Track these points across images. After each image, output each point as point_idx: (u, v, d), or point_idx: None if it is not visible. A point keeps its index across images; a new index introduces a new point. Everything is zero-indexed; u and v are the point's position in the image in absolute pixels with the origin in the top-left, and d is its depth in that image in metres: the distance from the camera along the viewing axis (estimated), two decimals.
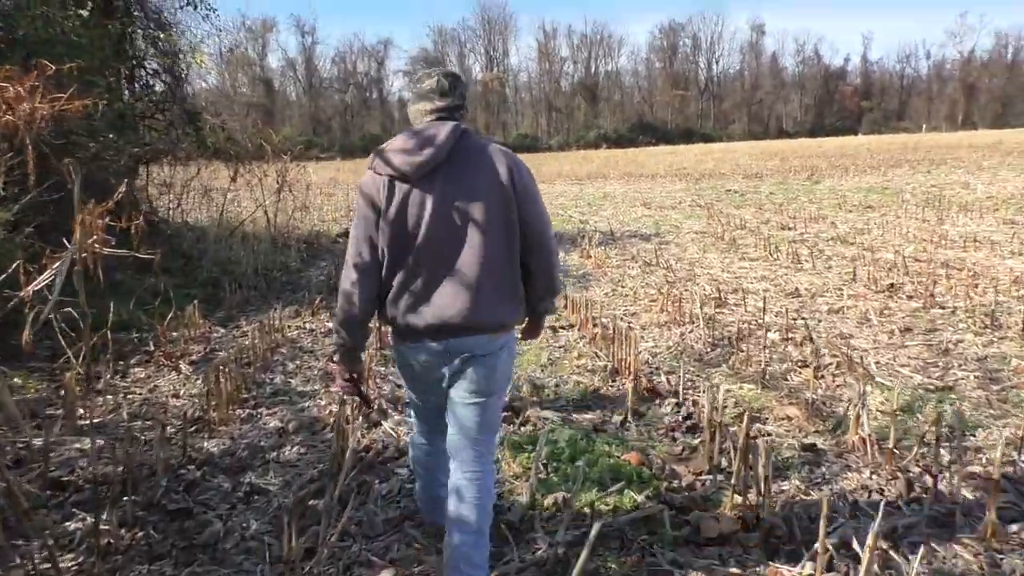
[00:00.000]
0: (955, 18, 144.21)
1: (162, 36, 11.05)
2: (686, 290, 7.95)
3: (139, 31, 10.82)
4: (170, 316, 6.39)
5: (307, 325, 7.00)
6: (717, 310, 6.94)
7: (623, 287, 8.37)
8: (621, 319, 6.80)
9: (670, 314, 6.76)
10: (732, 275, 8.87)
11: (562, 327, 6.51)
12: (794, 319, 6.50)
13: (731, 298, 7.54)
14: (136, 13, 10.66)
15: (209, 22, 12.15)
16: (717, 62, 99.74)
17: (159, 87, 11.40)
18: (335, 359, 2.76)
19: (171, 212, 11.33)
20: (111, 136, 8.87)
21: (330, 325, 7.02)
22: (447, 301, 2.47)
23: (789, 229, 12.72)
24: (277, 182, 12.60)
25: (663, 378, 5.10)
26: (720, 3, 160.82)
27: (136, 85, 11.37)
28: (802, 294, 7.63)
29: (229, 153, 11.73)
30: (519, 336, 2.88)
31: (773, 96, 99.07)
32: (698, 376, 5.13)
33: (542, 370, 5.44)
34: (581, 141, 77.50)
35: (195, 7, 11.57)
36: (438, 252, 2.48)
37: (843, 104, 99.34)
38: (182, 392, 5.18)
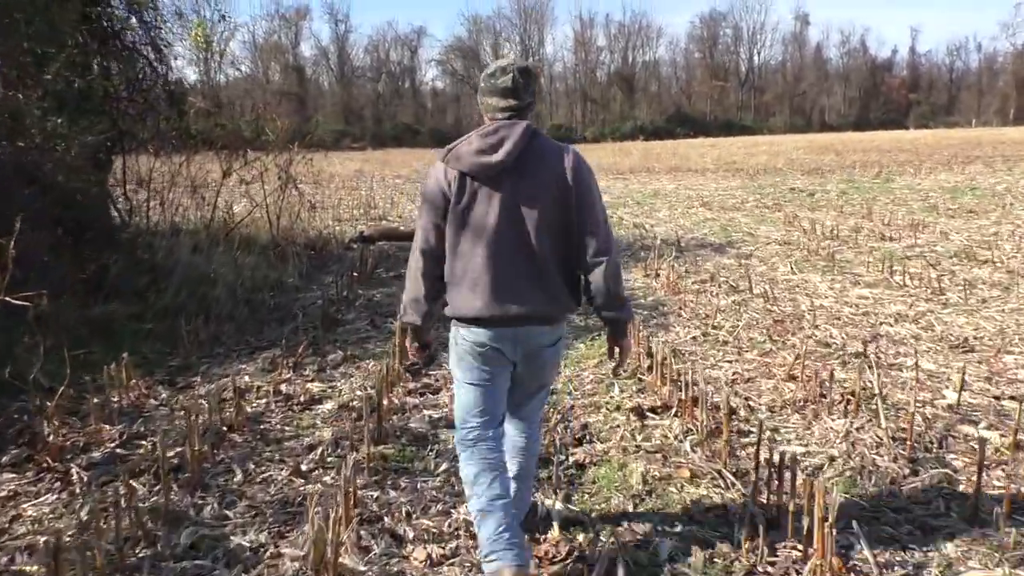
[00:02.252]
0: (1009, 10, 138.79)
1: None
2: (810, 337, 5.83)
3: None
4: (99, 373, 4.41)
5: (283, 388, 4.98)
6: (868, 376, 4.80)
7: (716, 327, 6.26)
8: (733, 391, 4.71)
9: (805, 385, 4.65)
10: (854, 309, 6.74)
11: (652, 410, 4.41)
12: (997, 399, 4.38)
13: (877, 352, 5.42)
14: None
15: None
16: (759, 53, 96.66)
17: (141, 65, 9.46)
18: (406, 341, 2.92)
19: (145, 214, 9.42)
20: (59, 120, 6.96)
21: (317, 387, 5.04)
22: (511, 294, 2.61)
23: (891, 240, 10.52)
24: (279, 176, 10.64)
25: (863, 549, 2.88)
26: None
27: (113, 62, 9.45)
28: (974, 346, 5.50)
29: (220, 143, 9.80)
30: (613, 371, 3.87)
31: (816, 88, 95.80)
32: (921, 545, 3.01)
33: (635, 503, 3.37)
34: (617, 132, 75.30)
35: None
36: (503, 246, 2.61)
37: (890, 97, 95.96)
38: (61, 522, 3.20)
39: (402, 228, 12.87)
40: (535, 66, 2.80)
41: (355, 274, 8.67)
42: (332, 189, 22.06)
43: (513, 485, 2.84)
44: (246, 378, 5.12)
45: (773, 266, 9.02)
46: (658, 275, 8.32)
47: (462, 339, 2.72)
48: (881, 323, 6.25)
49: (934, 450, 3.74)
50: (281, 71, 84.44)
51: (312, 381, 5.13)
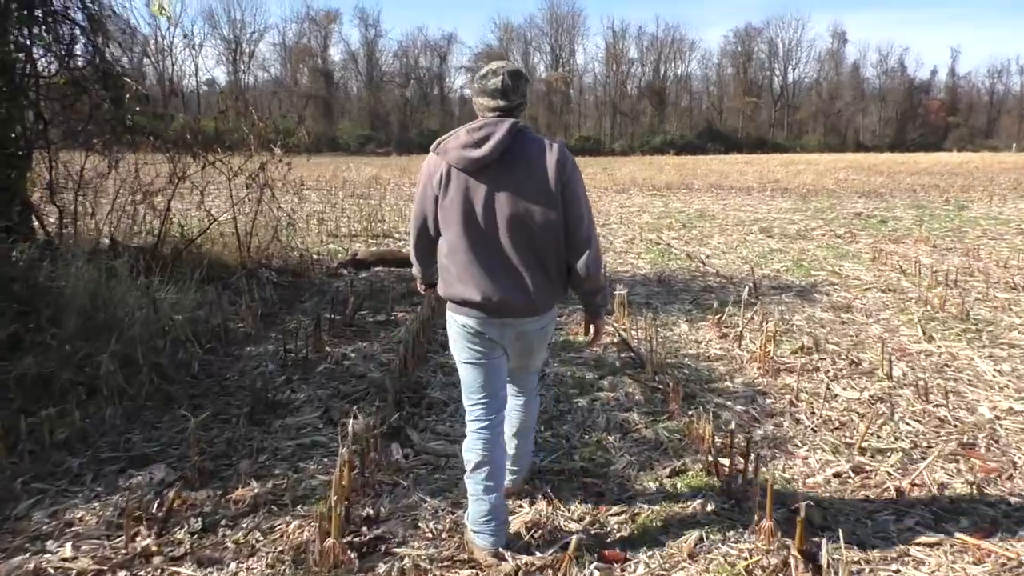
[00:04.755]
0: None
1: None
2: None
3: None
4: None
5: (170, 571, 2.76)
6: None
7: (867, 453, 3.96)
8: None
9: None
10: None
11: None
12: None
13: None
14: None
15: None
16: (793, 69, 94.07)
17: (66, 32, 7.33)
18: (416, 278, 3.19)
19: (71, 226, 7.28)
20: None
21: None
22: (507, 285, 2.75)
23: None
24: (248, 183, 8.49)
25: None
26: (799, 9, 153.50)
27: (37, 28, 7.32)
28: None
29: (169, 139, 7.66)
30: (587, 345, 3.94)
31: (852, 108, 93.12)
32: None
33: None
34: (646, 146, 73.40)
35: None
36: (487, 238, 2.73)
37: (927, 119, 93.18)
38: None
39: (405, 251, 10.65)
40: (525, 70, 2.83)
41: (330, 317, 6.45)
42: (339, 198, 20.04)
43: (513, 443, 3.23)
44: (67, 548, 2.90)
45: (891, 326, 6.70)
46: (740, 339, 6.02)
47: (454, 321, 2.92)
48: None
49: None
50: (309, 74, 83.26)
51: (174, 563, 2.88)
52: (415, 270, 3.12)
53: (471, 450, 2.94)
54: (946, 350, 5.84)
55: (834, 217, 15.97)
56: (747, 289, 6.56)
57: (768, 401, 4.71)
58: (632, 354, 5.58)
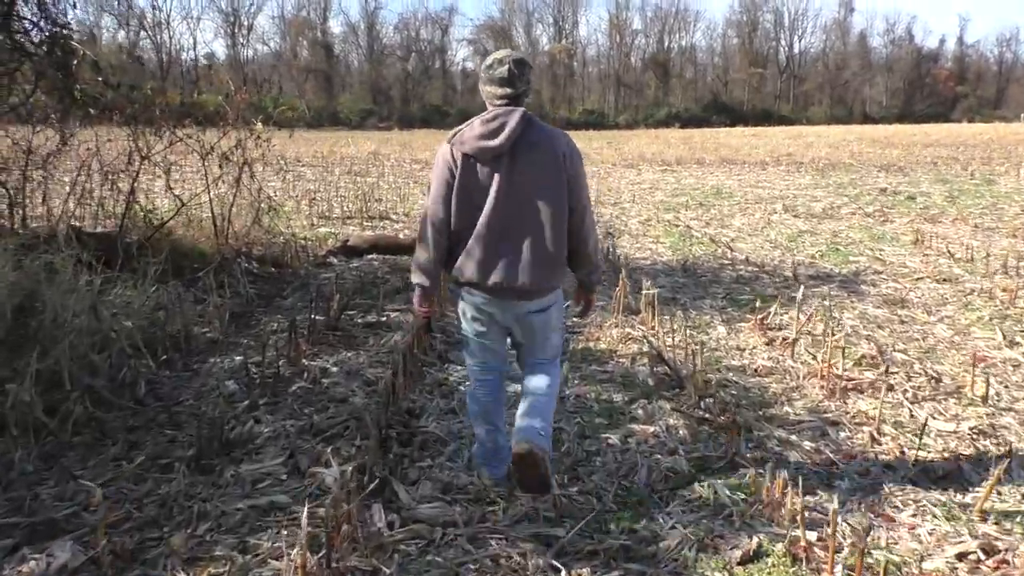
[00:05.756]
0: None
1: None
2: None
3: None
4: None
5: None
6: None
7: (983, 520, 3.05)
8: None
9: None
10: None
11: None
12: None
13: None
14: None
15: None
16: (800, 39, 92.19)
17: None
18: (413, 298, 3.21)
19: (13, 211, 6.37)
20: None
21: None
22: (509, 266, 2.90)
23: None
24: (223, 161, 7.57)
25: None
26: None
27: None
28: None
29: (124, 112, 6.72)
30: (576, 317, 3.82)
31: (859, 78, 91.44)
32: None
33: None
34: (651, 119, 72.00)
35: None
36: (502, 222, 2.88)
37: (935, 89, 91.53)
38: None
39: (403, 236, 9.73)
40: (529, 57, 3.27)
41: (311, 319, 5.53)
42: (335, 175, 19.06)
43: (525, 421, 3.03)
44: None
45: (959, 326, 5.78)
46: (795, 343, 5.09)
47: (463, 298, 3.10)
48: None
49: None
50: (309, 47, 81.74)
51: None
52: (419, 277, 3.08)
53: (472, 399, 3.28)
54: None
55: (858, 193, 15.01)
56: (801, 290, 5.62)
57: (842, 435, 3.80)
58: (668, 369, 4.66)
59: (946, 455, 3.55)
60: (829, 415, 4.04)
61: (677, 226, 10.95)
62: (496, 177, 2.85)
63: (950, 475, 3.34)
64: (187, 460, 3.40)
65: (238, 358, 4.97)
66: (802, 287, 6.04)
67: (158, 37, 73.01)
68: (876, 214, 12.05)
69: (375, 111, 73.65)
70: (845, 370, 4.57)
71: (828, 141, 35.29)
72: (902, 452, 3.58)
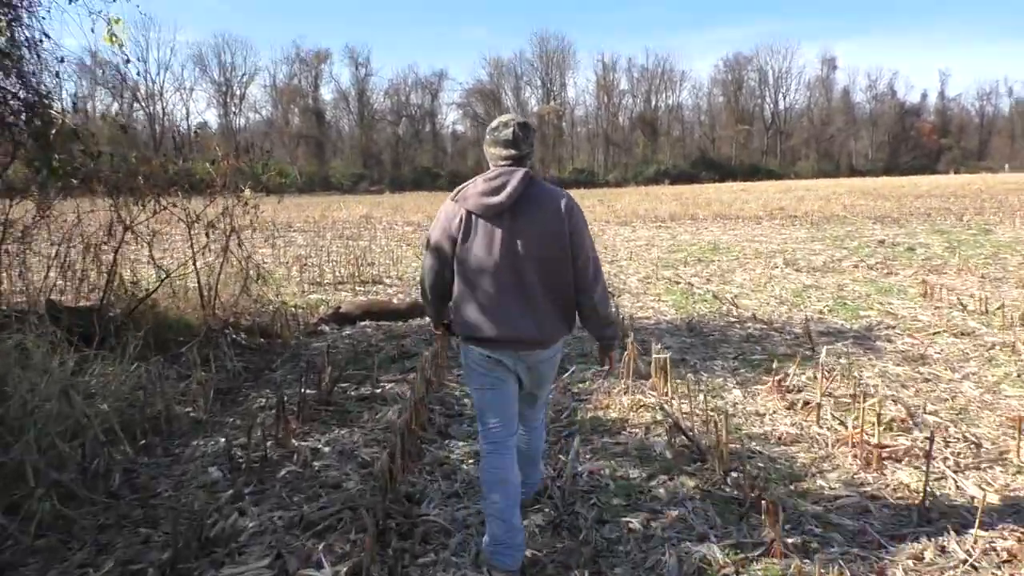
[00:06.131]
0: None
1: None
2: None
3: None
4: None
5: None
6: None
7: None
8: None
9: None
10: None
11: None
12: None
13: None
14: None
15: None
16: (784, 96, 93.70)
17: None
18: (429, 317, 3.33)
19: None
20: None
21: None
22: (513, 320, 2.93)
23: None
24: (209, 231, 7.31)
25: None
26: (788, 38, 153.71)
27: None
28: None
29: (105, 183, 6.47)
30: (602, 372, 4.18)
31: (844, 133, 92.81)
32: None
33: None
34: (640, 176, 72.75)
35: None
36: (502, 277, 2.91)
37: (919, 142, 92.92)
38: None
39: (396, 300, 9.44)
40: (533, 121, 3.13)
41: (301, 393, 5.18)
42: (327, 240, 18.85)
43: (532, 470, 3.46)
44: None
45: (987, 383, 5.47)
46: (818, 411, 4.76)
47: (469, 354, 3.09)
48: None
49: None
50: (300, 114, 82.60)
51: None
52: (428, 310, 3.27)
53: (487, 470, 3.09)
54: None
55: (857, 246, 14.83)
56: (823, 352, 5.32)
57: (886, 511, 3.45)
58: (687, 440, 4.33)
59: (1005, 534, 3.21)
60: (867, 488, 3.70)
61: (678, 283, 10.68)
62: (499, 233, 2.89)
63: (1016, 557, 3.00)
64: (162, 565, 3.04)
65: (223, 440, 4.62)
66: (824, 348, 5.74)
67: (151, 108, 73.96)
68: (879, 266, 11.83)
69: (366, 175, 74.20)
70: (873, 435, 4.24)
71: (818, 194, 35.44)
72: (956, 531, 3.23)
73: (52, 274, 7.09)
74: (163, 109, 76.11)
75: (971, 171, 73.02)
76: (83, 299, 7.39)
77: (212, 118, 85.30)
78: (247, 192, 7.81)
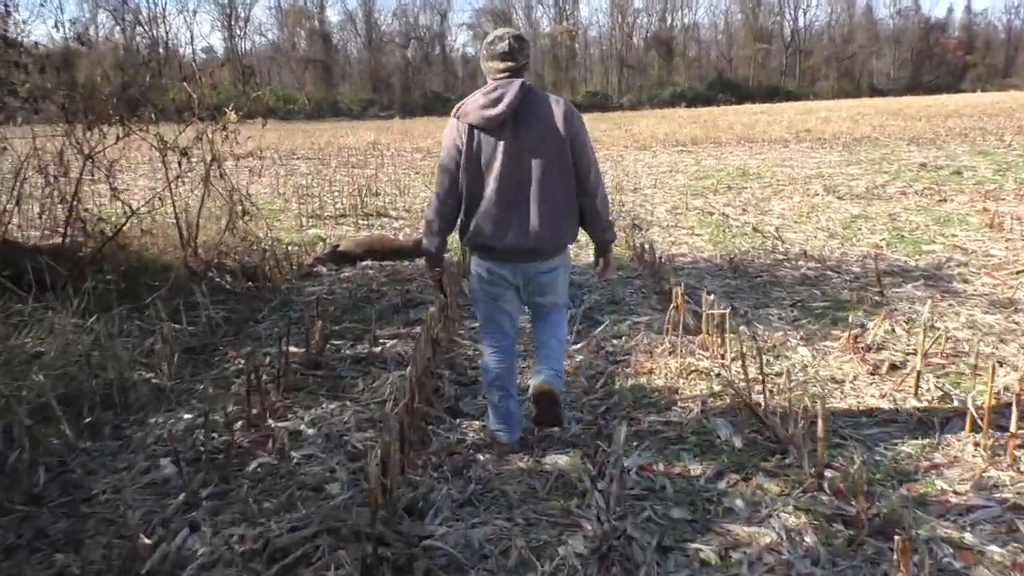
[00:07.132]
0: None
1: None
2: None
3: None
4: None
5: None
6: None
7: None
8: None
9: None
10: None
11: None
12: None
13: None
14: None
15: None
16: (804, 13, 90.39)
17: None
18: (424, 262, 3.42)
19: None
20: None
21: None
22: (520, 228, 3.00)
23: None
24: (181, 158, 6.40)
25: None
26: None
27: None
28: None
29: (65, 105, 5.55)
30: (597, 279, 3.64)
31: (866, 51, 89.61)
32: None
33: None
34: (655, 99, 70.55)
35: None
36: (510, 187, 2.98)
37: (944, 59, 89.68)
38: None
39: (402, 237, 8.54)
40: (527, 33, 2.59)
41: (284, 357, 4.31)
42: (331, 168, 17.83)
43: (543, 366, 3.24)
44: None
45: None
46: (916, 382, 3.88)
47: (474, 265, 3.23)
48: None
49: None
50: (307, 37, 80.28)
51: None
52: (427, 242, 3.24)
53: (486, 368, 3.32)
54: None
55: (898, 170, 13.72)
56: (927, 306, 4.39)
57: None
58: (757, 419, 3.46)
59: None
60: (1007, 494, 2.84)
61: (711, 214, 9.71)
62: (501, 144, 2.95)
63: None
64: None
65: (187, 416, 3.80)
66: (891, 292, 4.81)
67: (154, 32, 71.80)
68: (928, 192, 10.80)
69: (376, 100, 72.28)
70: (969, 401, 3.35)
71: (841, 115, 33.86)
72: None
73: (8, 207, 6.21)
74: (166, 33, 73.96)
75: (997, 89, 70.48)
76: (44, 241, 6.54)
77: (217, 42, 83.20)
78: (230, 115, 6.89)
